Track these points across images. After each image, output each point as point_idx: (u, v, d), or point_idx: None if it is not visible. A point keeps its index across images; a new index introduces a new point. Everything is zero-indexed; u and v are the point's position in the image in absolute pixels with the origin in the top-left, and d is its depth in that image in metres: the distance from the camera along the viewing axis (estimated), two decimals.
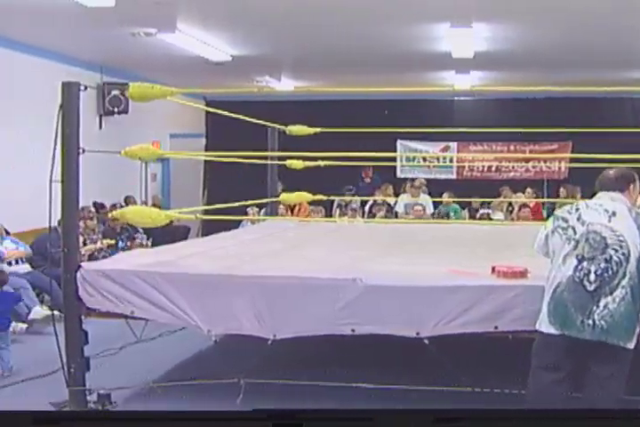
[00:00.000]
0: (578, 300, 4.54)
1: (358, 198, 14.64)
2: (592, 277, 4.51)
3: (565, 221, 4.71)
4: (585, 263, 4.55)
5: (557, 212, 4.92)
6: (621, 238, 4.53)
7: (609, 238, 4.54)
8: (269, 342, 5.64)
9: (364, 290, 5.43)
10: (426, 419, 2.03)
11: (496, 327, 5.36)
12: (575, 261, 4.58)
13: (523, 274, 5.49)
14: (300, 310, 5.58)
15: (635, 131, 12.83)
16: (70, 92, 5.93)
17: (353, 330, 5.52)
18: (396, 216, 13.61)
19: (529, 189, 15.16)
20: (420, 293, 5.40)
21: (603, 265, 4.51)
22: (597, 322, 4.49)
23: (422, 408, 2.12)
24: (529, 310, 5.11)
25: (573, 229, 4.64)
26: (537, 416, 2.10)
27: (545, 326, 4.68)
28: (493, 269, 5.62)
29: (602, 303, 4.49)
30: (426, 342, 5.40)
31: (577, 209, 4.74)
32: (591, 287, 4.51)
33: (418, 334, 5.39)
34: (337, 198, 14.18)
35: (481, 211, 14.13)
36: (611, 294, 4.49)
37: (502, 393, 5.74)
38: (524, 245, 7.17)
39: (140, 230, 12.39)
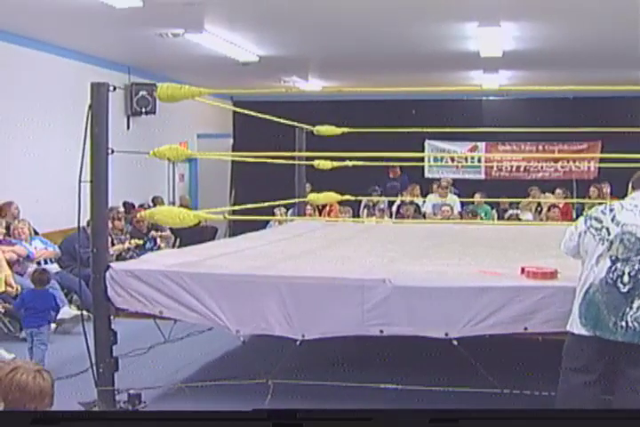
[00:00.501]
0: (611, 301, 4.50)
1: (386, 199, 14.60)
2: (626, 278, 4.48)
3: (599, 221, 4.66)
4: (619, 264, 4.51)
5: (590, 212, 4.85)
6: None
7: None
8: (298, 342, 5.63)
9: (393, 291, 5.41)
10: (425, 419, 2.02)
11: (525, 329, 5.33)
12: (609, 262, 4.53)
13: (552, 275, 5.44)
14: (328, 311, 5.57)
15: None
16: (99, 93, 5.95)
17: (381, 331, 5.50)
18: (424, 217, 13.57)
19: (558, 190, 15.05)
20: (448, 293, 5.38)
21: (637, 266, 4.47)
22: (630, 324, 4.45)
23: (422, 408, 2.10)
24: (559, 312, 5.08)
25: (607, 229, 4.59)
26: (537, 416, 2.08)
27: (577, 327, 4.65)
28: (523, 269, 5.58)
29: (635, 305, 4.46)
30: (455, 343, 5.37)
31: (611, 210, 4.69)
32: (625, 289, 4.48)
33: (447, 335, 5.37)
34: (365, 199, 14.15)
35: (510, 211, 14.06)
36: None
37: (532, 395, 5.71)
38: (554, 246, 7.11)
39: (167, 230, 12.44)
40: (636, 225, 4.54)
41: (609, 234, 4.58)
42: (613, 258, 4.53)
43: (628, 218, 4.59)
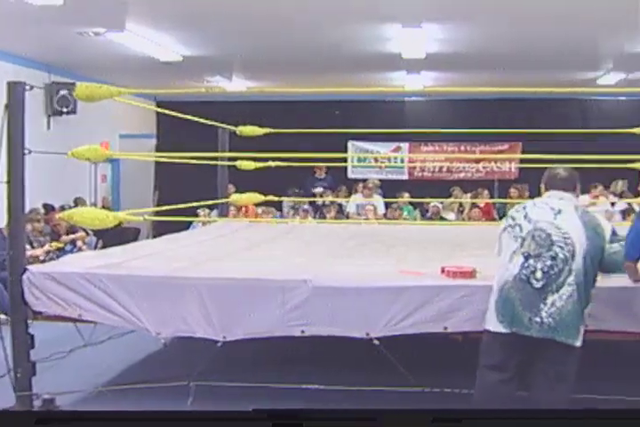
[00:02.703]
0: (525, 297, 4.57)
1: (309, 199, 14.62)
2: (538, 274, 4.55)
3: (514, 219, 4.75)
4: (531, 261, 4.58)
5: (509, 211, 4.96)
6: (567, 236, 4.58)
7: (554, 236, 4.58)
8: (219, 344, 5.60)
9: (313, 291, 5.41)
10: (426, 419, 2.03)
11: (445, 328, 5.37)
12: (522, 259, 4.61)
13: (471, 274, 5.50)
14: (249, 312, 5.55)
15: (583, 132, 12.99)
16: (15, 92, 5.84)
17: (303, 331, 5.50)
18: (348, 217, 13.62)
19: (485, 191, 15.28)
20: (368, 293, 5.40)
21: (549, 262, 4.55)
22: (545, 320, 4.52)
23: (422, 408, 2.11)
24: (478, 311, 5.13)
25: (520, 226, 4.68)
26: (536, 416, 2.09)
27: (493, 324, 4.70)
28: (442, 269, 5.63)
29: (549, 301, 4.53)
30: (376, 342, 5.40)
31: (524, 207, 4.79)
32: (538, 285, 4.55)
33: (367, 334, 5.39)
34: (288, 199, 14.16)
35: (432, 204, 14.14)
36: (557, 291, 4.53)
37: (452, 393, 5.77)
38: (474, 246, 7.26)
39: (81, 231, 12.27)
40: (546, 222, 4.63)
41: (521, 231, 4.67)
42: (526, 254, 4.61)
43: (538, 215, 4.68)
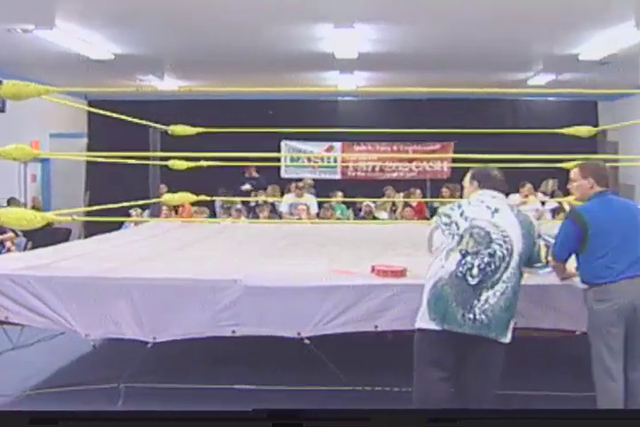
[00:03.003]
0: (460, 294, 4.60)
1: (241, 199, 14.58)
2: (475, 271, 4.60)
3: (449, 217, 4.78)
4: (469, 258, 4.62)
5: (440, 209, 4.99)
6: (505, 234, 4.64)
7: (493, 233, 4.64)
8: (149, 345, 5.55)
9: (245, 291, 5.40)
10: (426, 419, 2.03)
11: (376, 327, 5.40)
12: (459, 256, 4.65)
13: (402, 273, 5.53)
14: (180, 312, 5.51)
15: (514, 132, 13.17)
16: None
17: (234, 331, 5.48)
18: (281, 217, 13.61)
19: (418, 191, 15.40)
20: (299, 293, 5.40)
21: (486, 259, 4.60)
22: (478, 316, 4.56)
23: (423, 408, 2.11)
24: (408, 309, 5.16)
25: (456, 224, 4.72)
26: (536, 416, 2.10)
27: (426, 321, 4.71)
28: (373, 268, 5.65)
29: (483, 297, 4.57)
30: (307, 341, 5.40)
31: (459, 206, 4.83)
32: (473, 281, 4.59)
33: (299, 334, 5.39)
34: (220, 199, 14.11)
35: (364, 203, 14.18)
36: (492, 288, 4.58)
37: (383, 391, 5.82)
38: (406, 245, 7.31)
39: (10, 232, 12.08)
40: (484, 220, 4.68)
41: (458, 229, 4.70)
42: (463, 252, 4.65)
43: (475, 213, 4.73)
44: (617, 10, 9.98)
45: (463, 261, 4.63)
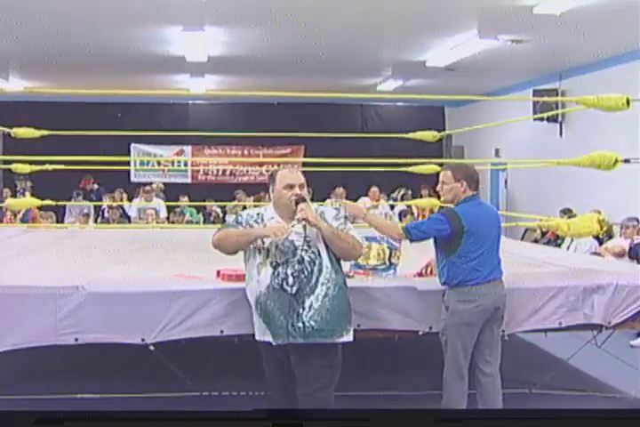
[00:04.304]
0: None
1: (91, 203, 14.31)
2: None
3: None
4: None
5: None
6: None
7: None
8: None
9: (87, 298, 5.27)
10: (426, 419, 2.01)
11: (222, 331, 5.36)
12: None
13: None
14: (20, 321, 5.33)
15: (363, 136, 13.41)
16: None
17: (76, 339, 5.34)
18: (130, 221, 13.41)
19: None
20: (143, 298, 5.31)
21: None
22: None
23: (422, 408, 2.08)
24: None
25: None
26: (536, 416, 2.09)
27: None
28: (218, 272, 5.62)
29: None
30: (151, 348, 5.32)
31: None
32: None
33: (143, 340, 5.30)
34: (68, 204, 13.79)
35: (213, 207, 14.14)
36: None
37: (230, 396, 5.81)
38: None
39: None
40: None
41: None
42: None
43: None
44: (461, 19, 10.29)
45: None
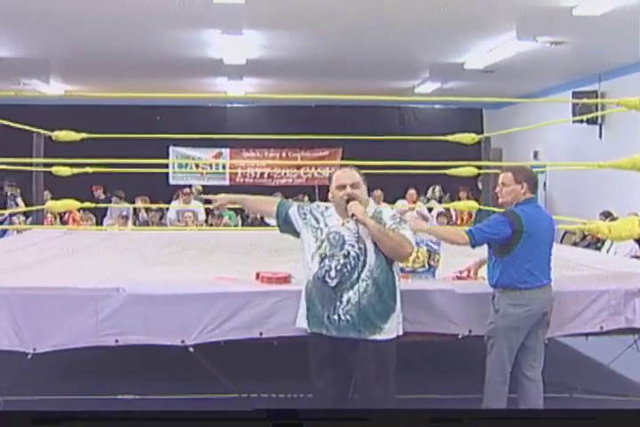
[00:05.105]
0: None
1: (130, 206, 14.40)
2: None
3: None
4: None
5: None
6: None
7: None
8: (29, 356, 5.41)
9: (127, 299, 5.31)
10: (427, 419, 2.01)
11: (261, 334, 5.38)
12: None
13: (286, 279, 5.54)
14: (61, 322, 5.37)
15: (400, 138, 13.36)
16: None
17: (117, 341, 5.38)
18: (168, 224, 13.47)
19: (306, 197, 15.45)
20: (183, 300, 5.34)
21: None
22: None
23: (424, 408, 2.08)
24: (292, 316, 5.16)
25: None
26: (536, 416, 2.09)
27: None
28: (258, 275, 5.64)
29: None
30: (191, 350, 5.35)
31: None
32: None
33: (183, 342, 5.33)
34: (107, 206, 13.89)
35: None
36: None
37: (270, 398, 5.82)
38: (291, 251, 7.29)
39: None
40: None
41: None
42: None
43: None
44: (500, 21, 10.25)
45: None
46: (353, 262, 4.63)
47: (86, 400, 5.86)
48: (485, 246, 5.23)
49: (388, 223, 4.71)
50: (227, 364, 5.83)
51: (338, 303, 4.60)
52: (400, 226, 4.73)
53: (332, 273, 4.62)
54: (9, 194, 13.66)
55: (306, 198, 15.44)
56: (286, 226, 4.90)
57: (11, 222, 12.27)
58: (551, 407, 4.76)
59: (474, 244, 5.11)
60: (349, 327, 4.59)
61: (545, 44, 11.31)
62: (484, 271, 5.49)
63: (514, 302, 5.05)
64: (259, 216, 13.93)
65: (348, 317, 4.58)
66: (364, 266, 4.63)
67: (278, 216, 4.94)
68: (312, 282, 4.70)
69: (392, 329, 4.67)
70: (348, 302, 4.59)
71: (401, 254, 4.76)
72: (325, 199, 5.01)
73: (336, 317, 4.60)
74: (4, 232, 11.99)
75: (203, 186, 16.23)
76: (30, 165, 9.73)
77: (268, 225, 13.55)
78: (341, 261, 4.63)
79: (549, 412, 2.15)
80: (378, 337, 4.63)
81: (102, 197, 15.25)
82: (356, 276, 4.62)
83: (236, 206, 6.21)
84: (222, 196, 5.49)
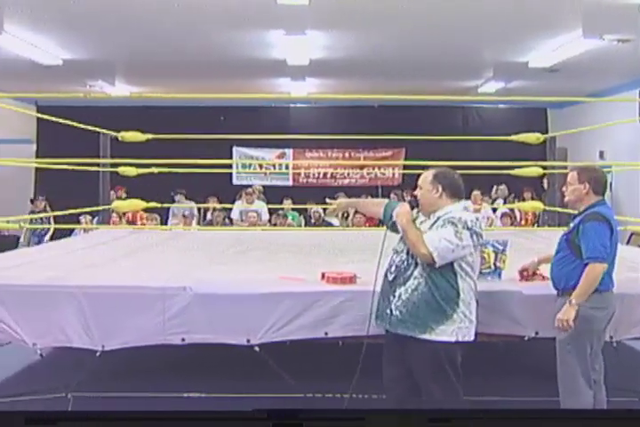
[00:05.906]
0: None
1: (195, 205, 14.53)
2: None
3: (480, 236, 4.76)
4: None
5: (471, 226, 4.66)
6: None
7: None
8: (98, 353, 5.49)
9: (194, 298, 5.36)
10: (425, 419, 2.02)
11: (326, 333, 5.39)
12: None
13: (351, 280, 5.53)
14: (128, 320, 5.44)
15: (464, 138, 13.28)
16: None
17: (183, 339, 5.43)
18: (232, 223, 13.56)
19: (369, 197, 15.43)
20: (248, 300, 5.37)
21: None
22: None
23: (422, 408, 2.10)
24: (358, 316, 5.18)
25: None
26: (533, 416, 2.09)
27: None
28: (323, 275, 5.65)
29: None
30: (256, 349, 5.38)
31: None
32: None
33: (248, 341, 5.36)
34: (172, 206, 14.02)
35: (313, 209, 14.11)
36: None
37: (334, 398, 5.81)
38: (356, 251, 7.31)
39: None
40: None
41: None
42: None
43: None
44: (565, 19, 10.12)
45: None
46: (409, 260, 4.66)
47: (152, 399, 5.92)
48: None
49: (427, 224, 4.73)
50: (292, 363, 5.85)
51: (391, 298, 4.66)
52: (431, 227, 4.66)
53: (393, 268, 4.71)
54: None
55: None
56: (394, 226, 4.89)
57: (78, 222, 12.44)
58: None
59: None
60: (399, 323, 4.62)
61: (611, 43, 11.14)
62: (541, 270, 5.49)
63: (595, 304, 4.88)
64: (322, 216, 13.96)
65: (398, 312, 4.62)
66: (417, 264, 4.63)
67: (385, 217, 5.01)
68: (383, 277, 4.79)
69: (448, 332, 4.56)
70: (400, 297, 4.63)
71: (417, 254, 4.66)
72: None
73: (388, 311, 4.66)
74: (72, 231, 12.16)
75: (265, 186, 16.28)
76: (97, 165, 9.86)
77: (331, 225, 13.59)
78: (402, 257, 4.69)
79: (549, 412, 2.12)
80: (430, 337, 4.55)
81: (124, 196, 15.28)
82: (409, 273, 4.64)
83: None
84: (341, 200, 5.82)
